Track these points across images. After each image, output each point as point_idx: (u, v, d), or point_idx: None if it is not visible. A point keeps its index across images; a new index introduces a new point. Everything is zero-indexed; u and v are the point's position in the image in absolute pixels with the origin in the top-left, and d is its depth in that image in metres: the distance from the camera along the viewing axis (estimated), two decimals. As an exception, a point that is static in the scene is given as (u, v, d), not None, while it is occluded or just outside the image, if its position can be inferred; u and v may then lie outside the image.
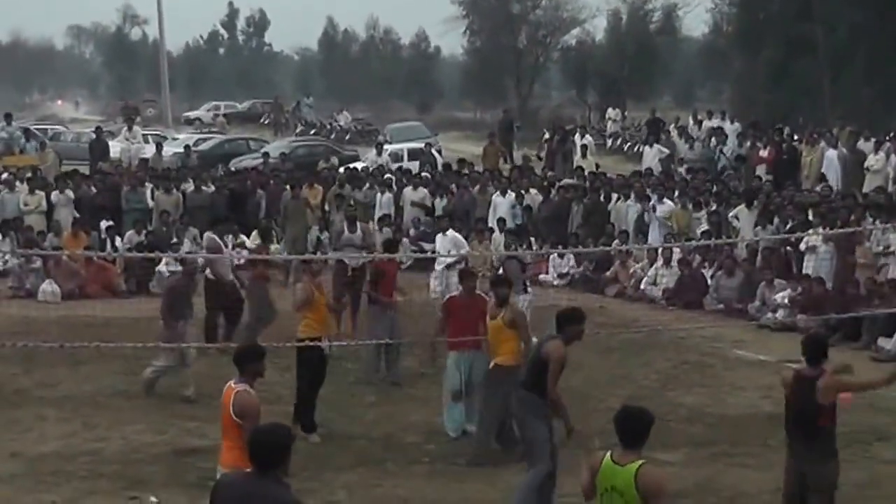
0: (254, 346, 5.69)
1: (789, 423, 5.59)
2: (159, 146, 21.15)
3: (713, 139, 20.15)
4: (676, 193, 15.18)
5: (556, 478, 6.32)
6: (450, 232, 12.53)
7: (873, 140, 17.20)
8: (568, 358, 6.34)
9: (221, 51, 64.74)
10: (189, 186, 16.79)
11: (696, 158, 19.57)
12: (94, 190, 16.48)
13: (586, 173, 17.90)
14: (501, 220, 15.76)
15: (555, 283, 14.34)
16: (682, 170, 18.75)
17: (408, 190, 16.84)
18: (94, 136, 22.34)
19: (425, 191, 16.88)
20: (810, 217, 13.09)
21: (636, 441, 4.26)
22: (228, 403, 5.27)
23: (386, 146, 23.33)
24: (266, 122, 38.54)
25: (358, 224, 11.62)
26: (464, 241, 12.78)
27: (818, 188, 15.32)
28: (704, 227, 14.11)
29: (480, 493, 7.02)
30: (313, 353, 7.93)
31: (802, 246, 12.47)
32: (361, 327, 10.25)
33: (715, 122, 22.65)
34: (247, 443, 4.06)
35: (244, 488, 3.95)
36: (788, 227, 12.89)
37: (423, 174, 18.43)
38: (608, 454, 4.28)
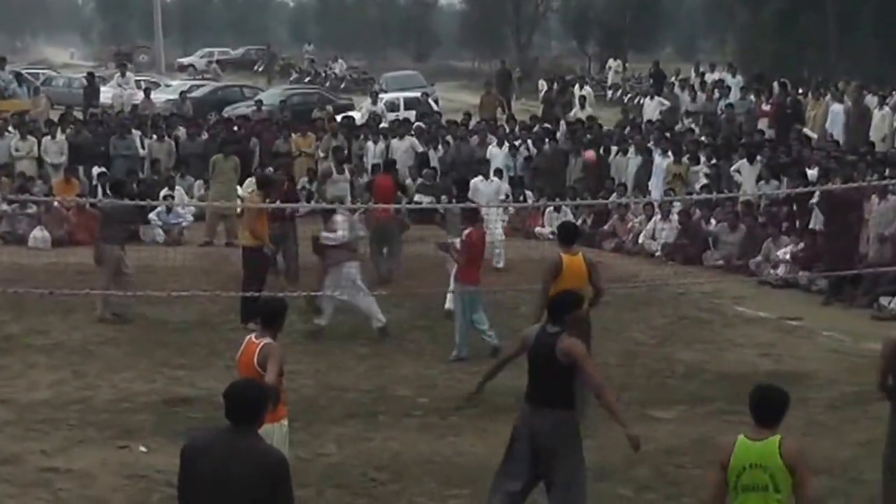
0: (284, 304, 5.62)
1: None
2: (147, 92, 20.85)
3: (716, 91, 19.89)
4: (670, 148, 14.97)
5: None
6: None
7: (879, 95, 16.94)
8: None
9: (216, -4, 63.56)
10: (180, 133, 16.54)
11: (698, 111, 19.35)
12: (90, 136, 16.26)
13: (585, 125, 17.65)
14: (498, 171, 15.57)
15: (550, 236, 14.18)
16: (687, 122, 18.53)
17: (394, 141, 16.59)
18: (85, 82, 21.99)
19: (413, 139, 16.65)
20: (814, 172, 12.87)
21: (773, 420, 4.23)
22: (252, 357, 5.20)
23: (381, 95, 22.96)
24: (259, 69, 38.03)
25: (345, 167, 12.49)
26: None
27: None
28: (704, 181, 13.93)
29: (473, 446, 6.94)
30: (257, 256, 9.42)
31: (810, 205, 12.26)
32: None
33: (717, 75, 22.35)
34: (225, 396, 3.88)
35: (222, 445, 3.78)
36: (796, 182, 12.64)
37: (416, 124, 18.17)
38: (740, 437, 4.23)
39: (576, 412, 5.35)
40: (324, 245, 9.27)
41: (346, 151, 14.99)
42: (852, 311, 10.45)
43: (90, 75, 22.63)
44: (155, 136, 16.05)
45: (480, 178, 12.95)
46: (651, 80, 24.50)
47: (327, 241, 9.26)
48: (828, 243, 10.93)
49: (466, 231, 8.82)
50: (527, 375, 5.32)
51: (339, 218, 9.39)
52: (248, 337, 5.40)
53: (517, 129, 17.53)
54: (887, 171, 12.04)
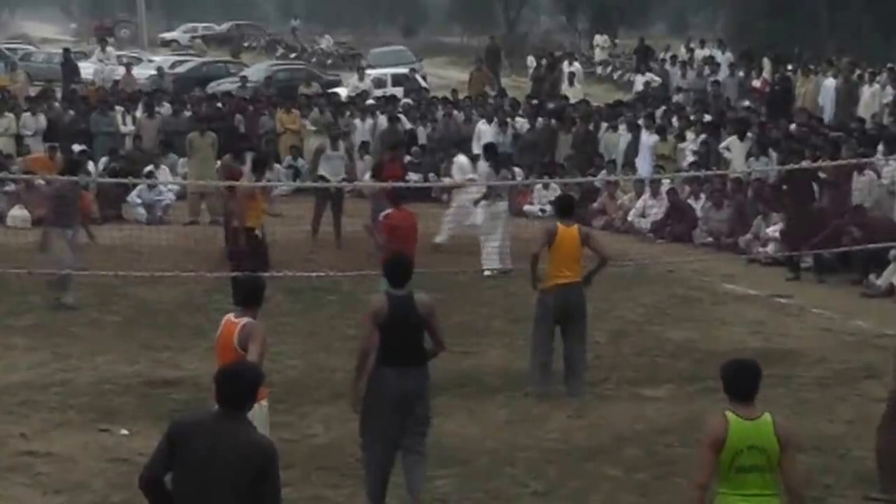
0: (263, 283, 5.44)
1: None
2: (129, 67, 20.56)
3: (706, 68, 19.81)
4: (656, 123, 14.88)
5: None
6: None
7: (868, 71, 16.87)
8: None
9: (200, -30, 62.62)
10: (163, 110, 16.32)
11: (688, 87, 19.27)
12: (71, 112, 16.02)
13: (574, 102, 17.54)
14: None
15: (539, 213, 14.09)
16: (677, 98, 18.46)
17: (381, 118, 16.42)
18: (63, 58, 21.68)
19: (401, 116, 16.49)
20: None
21: (755, 393, 4.11)
22: (231, 337, 5.06)
23: (369, 71, 22.75)
24: (242, 44, 37.56)
25: (340, 143, 12.40)
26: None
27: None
28: (691, 158, 13.84)
29: (461, 426, 6.87)
30: (250, 238, 9.58)
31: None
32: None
33: (707, 51, 22.26)
34: (217, 378, 3.78)
35: (210, 428, 3.68)
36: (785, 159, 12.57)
37: (404, 100, 17.99)
38: (730, 415, 4.05)
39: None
40: None
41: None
42: (842, 288, 10.42)
43: (66, 51, 22.31)
44: (147, 114, 15.86)
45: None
46: (635, 57, 24.38)
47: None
48: (815, 221, 10.87)
49: (385, 213, 8.59)
50: (383, 343, 5.33)
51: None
52: (227, 317, 5.21)
53: (506, 105, 17.38)
54: (862, 149, 11.98)
